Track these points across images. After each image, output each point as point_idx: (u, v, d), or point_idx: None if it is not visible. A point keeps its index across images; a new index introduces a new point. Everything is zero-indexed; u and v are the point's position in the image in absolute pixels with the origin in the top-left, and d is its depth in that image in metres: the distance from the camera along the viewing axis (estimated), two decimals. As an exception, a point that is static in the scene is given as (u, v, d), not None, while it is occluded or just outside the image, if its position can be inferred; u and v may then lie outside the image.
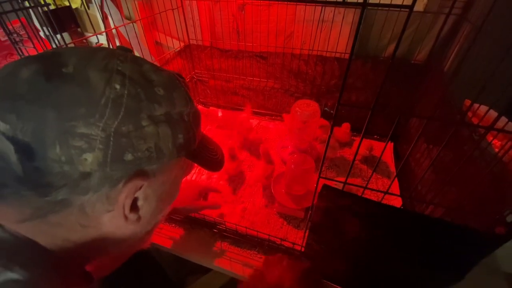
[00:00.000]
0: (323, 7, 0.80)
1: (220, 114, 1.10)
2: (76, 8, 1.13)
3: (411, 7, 0.25)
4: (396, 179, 0.77)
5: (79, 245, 0.31)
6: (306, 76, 0.96)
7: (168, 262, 0.80)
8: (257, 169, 0.83)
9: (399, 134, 0.92)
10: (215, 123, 1.05)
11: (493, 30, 0.48)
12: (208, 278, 0.81)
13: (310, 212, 0.46)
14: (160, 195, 0.34)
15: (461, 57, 0.60)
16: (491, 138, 0.47)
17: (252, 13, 0.87)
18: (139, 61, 0.31)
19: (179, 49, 1.02)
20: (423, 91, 0.80)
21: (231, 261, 0.63)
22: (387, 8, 0.72)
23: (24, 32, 0.51)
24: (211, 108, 1.16)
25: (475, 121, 0.51)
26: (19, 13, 0.49)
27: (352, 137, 0.94)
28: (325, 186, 0.39)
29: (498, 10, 0.43)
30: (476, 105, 0.50)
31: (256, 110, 1.09)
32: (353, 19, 0.81)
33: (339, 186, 0.38)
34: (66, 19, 0.55)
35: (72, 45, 0.65)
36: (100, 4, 1.01)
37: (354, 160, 0.38)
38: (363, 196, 0.37)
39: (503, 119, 0.40)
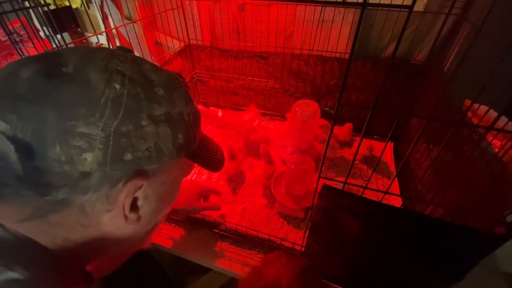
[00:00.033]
0: (323, 7, 0.80)
1: (220, 114, 1.10)
2: (76, 8, 1.13)
3: (411, 7, 0.25)
4: (396, 179, 0.77)
5: (79, 244, 0.31)
6: (306, 76, 0.96)
7: (168, 262, 0.80)
8: (257, 169, 0.83)
9: (399, 134, 0.92)
10: (215, 123, 1.05)
11: (493, 30, 0.48)
12: (208, 278, 0.81)
13: (310, 212, 0.46)
14: (160, 195, 0.34)
15: (461, 57, 0.60)
16: (491, 138, 0.47)
17: (252, 13, 0.87)
18: (139, 61, 0.31)
19: (179, 49, 1.02)
20: (423, 91, 0.80)
21: (231, 261, 0.63)
22: (387, 8, 0.72)
23: (24, 32, 0.51)
24: (211, 108, 1.16)
25: (475, 121, 0.51)
26: (19, 13, 0.49)
27: (352, 137, 0.94)
28: (325, 186, 0.39)
29: (498, 10, 0.43)
30: (476, 105, 0.50)
31: (256, 110, 1.09)
32: (353, 19, 0.81)
33: (339, 186, 0.38)
34: (66, 19, 0.55)
35: (72, 45, 0.65)
36: (100, 4, 1.01)
37: (354, 160, 0.38)
38: (363, 196, 0.37)
39: (503, 119, 0.40)
